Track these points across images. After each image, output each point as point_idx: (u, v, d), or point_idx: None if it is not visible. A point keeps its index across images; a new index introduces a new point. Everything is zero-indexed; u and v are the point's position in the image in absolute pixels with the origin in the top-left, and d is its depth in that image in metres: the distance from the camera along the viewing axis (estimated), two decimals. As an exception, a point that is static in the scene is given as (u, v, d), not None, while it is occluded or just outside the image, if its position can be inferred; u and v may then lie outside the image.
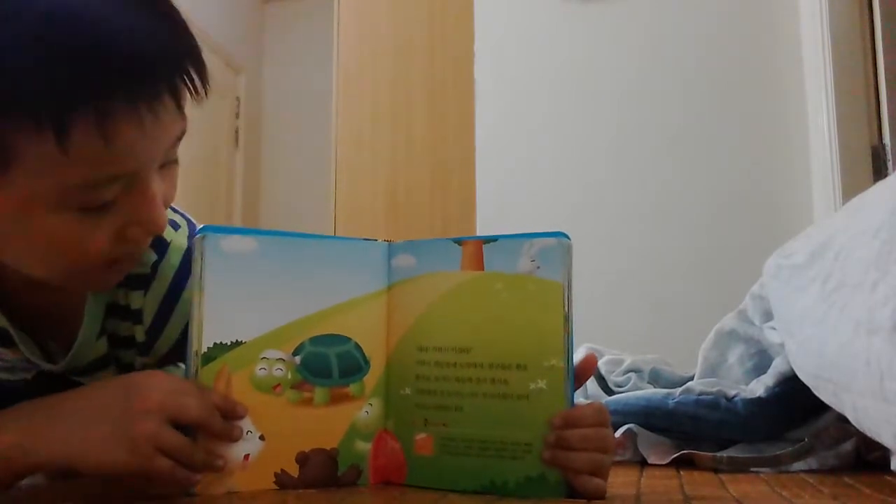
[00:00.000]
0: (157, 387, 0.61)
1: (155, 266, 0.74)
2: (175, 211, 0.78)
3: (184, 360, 0.72)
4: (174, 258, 0.75)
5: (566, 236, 0.67)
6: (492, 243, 0.68)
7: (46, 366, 0.73)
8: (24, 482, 0.67)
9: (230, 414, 0.64)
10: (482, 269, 0.68)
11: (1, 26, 0.52)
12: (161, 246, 0.75)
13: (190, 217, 0.80)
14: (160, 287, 0.75)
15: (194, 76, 0.60)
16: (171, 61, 0.58)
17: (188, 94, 0.60)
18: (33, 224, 0.57)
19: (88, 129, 0.53)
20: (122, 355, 0.78)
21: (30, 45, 0.51)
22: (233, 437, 0.64)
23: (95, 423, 0.59)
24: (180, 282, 0.75)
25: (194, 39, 0.60)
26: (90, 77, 0.52)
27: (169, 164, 0.63)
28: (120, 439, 0.58)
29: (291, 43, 5.06)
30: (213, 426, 0.63)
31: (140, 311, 0.75)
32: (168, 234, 0.75)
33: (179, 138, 0.62)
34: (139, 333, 0.76)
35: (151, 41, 0.56)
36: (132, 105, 0.54)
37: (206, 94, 0.61)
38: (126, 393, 0.61)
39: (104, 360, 0.76)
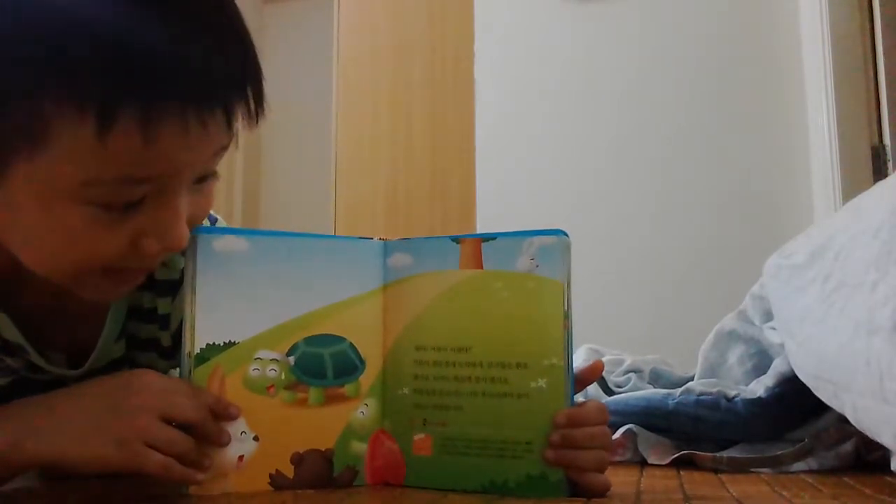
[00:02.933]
0: (150, 385, 0.61)
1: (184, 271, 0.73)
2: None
3: None
4: None
5: (565, 234, 0.66)
6: (491, 241, 0.68)
7: (70, 372, 0.72)
8: (20, 484, 0.66)
9: (223, 415, 0.64)
10: (481, 267, 0.68)
11: (74, 5, 0.50)
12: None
13: (219, 218, 0.79)
14: None
15: (252, 101, 0.58)
16: (233, 81, 0.56)
17: (241, 116, 0.58)
18: (53, 212, 0.54)
19: (131, 125, 0.51)
20: (138, 357, 0.77)
21: (94, 29, 0.50)
22: (221, 441, 0.63)
23: (86, 420, 0.59)
24: None
25: (259, 67, 0.59)
26: (146, 74, 0.51)
27: (207, 177, 0.60)
28: (109, 435, 0.58)
29: (291, 43, 5.06)
30: (205, 427, 0.62)
31: (167, 317, 0.74)
32: None
33: (223, 151, 0.59)
34: (165, 338, 0.75)
35: (219, 57, 0.54)
36: (181, 112, 0.52)
37: (258, 120, 0.59)
38: (118, 390, 0.61)
39: (119, 362, 0.76)
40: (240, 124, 0.59)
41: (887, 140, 2.02)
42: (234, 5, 0.58)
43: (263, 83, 0.59)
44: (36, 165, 0.52)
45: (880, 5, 2.04)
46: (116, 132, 0.51)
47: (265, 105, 0.59)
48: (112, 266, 0.59)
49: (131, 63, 0.50)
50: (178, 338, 0.74)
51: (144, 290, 0.73)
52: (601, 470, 0.65)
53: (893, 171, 1.97)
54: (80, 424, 0.59)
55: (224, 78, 0.55)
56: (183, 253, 0.66)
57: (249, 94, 0.58)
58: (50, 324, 0.70)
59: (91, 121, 0.50)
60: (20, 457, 0.59)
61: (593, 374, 0.71)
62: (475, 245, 0.69)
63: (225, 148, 0.59)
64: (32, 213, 0.55)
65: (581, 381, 0.69)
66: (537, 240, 0.66)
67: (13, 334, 0.67)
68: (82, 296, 0.65)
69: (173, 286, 0.73)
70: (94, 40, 0.50)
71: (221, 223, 0.80)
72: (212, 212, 0.79)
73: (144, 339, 0.76)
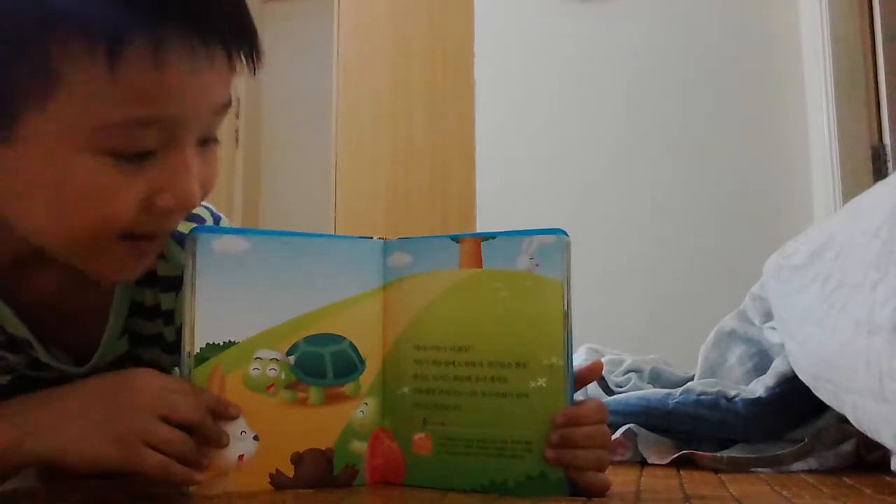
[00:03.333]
0: (149, 385, 0.61)
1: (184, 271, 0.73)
2: (204, 207, 0.77)
3: None
4: None
5: (565, 233, 0.66)
6: (490, 241, 0.68)
7: (73, 369, 0.72)
8: (21, 484, 0.66)
9: (223, 415, 0.64)
10: (481, 266, 0.68)
11: None
12: None
13: (216, 212, 0.79)
14: None
15: (250, 47, 0.59)
16: (234, 23, 0.57)
17: (240, 62, 0.59)
18: (66, 166, 0.54)
19: (141, 54, 0.52)
20: (143, 353, 0.77)
21: None
22: (220, 443, 0.63)
23: (85, 419, 0.59)
24: None
25: (253, 22, 0.60)
26: (152, 2, 0.52)
27: (209, 142, 0.61)
28: (108, 434, 0.58)
29: (291, 43, 5.05)
30: (204, 428, 0.62)
31: (172, 312, 0.74)
32: None
33: (224, 109, 0.61)
34: (170, 333, 0.75)
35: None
36: (188, 39, 0.54)
37: (256, 69, 0.60)
38: (118, 390, 0.61)
39: (122, 359, 0.75)
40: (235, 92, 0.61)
41: (887, 140, 2.02)
42: None
43: (259, 37, 0.60)
44: (48, 115, 0.53)
45: (880, 7, 2.04)
46: (128, 63, 0.51)
47: (262, 54, 0.61)
48: (127, 232, 0.58)
49: None
50: (180, 334, 0.74)
51: (146, 287, 0.72)
52: (601, 469, 0.65)
53: (893, 171, 1.97)
54: (80, 423, 0.59)
55: (225, 14, 0.57)
56: (184, 248, 0.66)
57: (249, 40, 0.59)
58: (52, 321, 0.70)
59: (101, 53, 0.51)
60: (19, 454, 0.58)
61: (592, 374, 0.71)
62: (475, 244, 0.68)
63: (225, 107, 0.60)
64: (46, 171, 0.55)
65: (580, 380, 0.69)
66: (537, 239, 0.66)
67: (18, 328, 0.67)
68: (99, 277, 0.64)
69: (176, 282, 0.73)
70: None
71: (225, 222, 0.80)
72: (215, 210, 0.79)
73: (148, 336, 0.76)
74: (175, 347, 0.75)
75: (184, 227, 0.68)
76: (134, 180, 0.56)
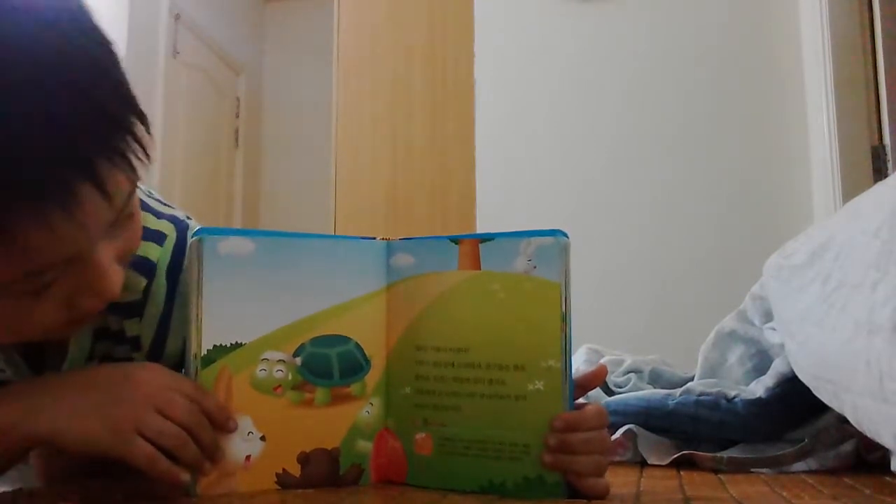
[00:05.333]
0: (153, 378, 0.62)
1: (146, 290, 0.71)
2: (160, 214, 0.74)
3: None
4: (163, 278, 0.72)
5: (564, 234, 0.65)
6: (488, 242, 0.67)
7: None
8: (21, 484, 0.67)
9: (222, 427, 0.64)
10: (479, 268, 0.68)
11: None
12: (148, 268, 0.71)
13: (178, 214, 0.76)
14: (155, 310, 0.72)
15: (126, 157, 0.53)
16: (82, 162, 0.50)
17: (121, 169, 0.53)
18: None
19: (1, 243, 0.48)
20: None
21: None
22: (213, 455, 0.63)
23: (83, 401, 0.59)
24: (173, 297, 0.73)
25: (123, 114, 0.53)
26: None
27: (120, 220, 0.56)
28: (103, 417, 0.59)
29: (291, 43, 5.06)
30: (196, 433, 0.62)
31: (138, 338, 0.73)
32: (153, 251, 0.71)
33: (129, 196, 0.56)
34: (139, 359, 0.74)
35: (59, 140, 0.48)
36: (41, 215, 0.48)
37: (145, 165, 0.54)
38: (121, 379, 0.61)
39: None
40: (121, 184, 0.54)
41: (887, 140, 2.03)
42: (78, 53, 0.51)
43: (132, 132, 0.53)
44: None
45: (880, 6, 2.05)
46: None
47: (144, 146, 0.54)
48: (58, 325, 0.58)
49: None
50: (155, 354, 0.74)
51: (109, 314, 0.70)
52: (599, 475, 0.64)
53: (893, 171, 1.98)
54: (77, 404, 0.59)
55: (70, 166, 0.49)
56: (141, 274, 0.66)
57: (116, 157, 0.52)
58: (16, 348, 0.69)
59: None
60: (18, 434, 0.59)
61: (596, 379, 0.70)
62: (473, 246, 0.68)
63: (130, 194, 0.56)
64: None
65: (584, 385, 0.69)
66: (535, 241, 0.65)
67: None
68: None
69: (138, 306, 0.71)
70: None
71: (193, 227, 0.76)
72: (183, 215, 0.76)
73: (120, 360, 0.74)
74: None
75: (144, 248, 0.67)
76: (49, 300, 0.55)
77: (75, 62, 0.50)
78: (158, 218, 0.74)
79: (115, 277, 0.57)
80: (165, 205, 0.77)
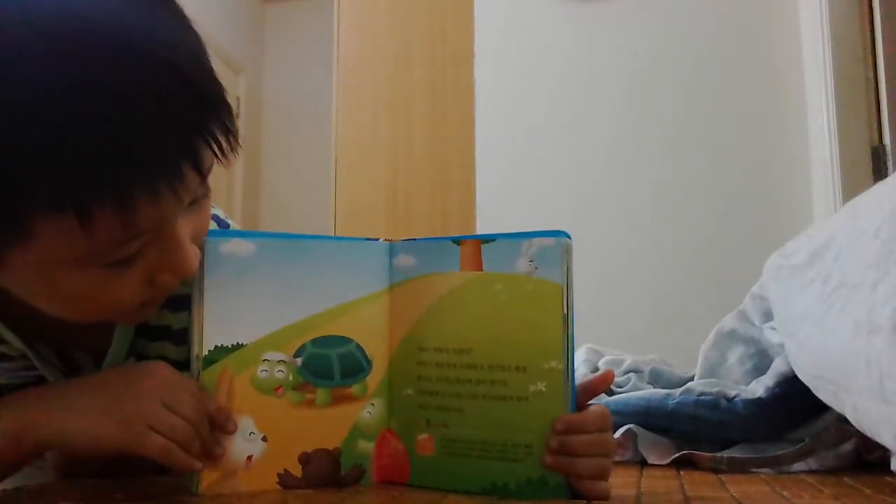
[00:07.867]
0: (160, 374, 0.63)
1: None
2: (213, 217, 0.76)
3: None
4: None
5: (567, 235, 0.65)
6: (490, 243, 0.67)
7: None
8: (22, 483, 0.67)
9: (221, 427, 0.64)
10: (481, 269, 0.67)
11: (21, 113, 0.49)
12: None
13: (219, 213, 0.79)
14: None
15: (218, 141, 0.57)
16: (186, 142, 0.54)
17: (214, 154, 0.57)
18: (57, 281, 0.56)
19: (108, 214, 0.52)
20: None
21: (43, 141, 0.49)
22: (213, 453, 0.64)
23: (94, 401, 0.60)
24: None
25: (220, 99, 0.57)
26: (111, 168, 0.51)
27: (198, 199, 0.60)
28: (114, 415, 0.60)
29: (291, 43, 5.06)
30: (200, 431, 0.63)
31: (183, 332, 0.74)
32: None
33: (208, 173, 0.59)
34: (173, 353, 0.74)
35: (168, 120, 0.53)
36: (152, 192, 0.53)
37: (234, 152, 0.58)
38: (130, 378, 0.62)
39: None
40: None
41: (887, 140, 2.03)
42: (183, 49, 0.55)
43: (228, 114, 0.57)
44: (30, 252, 0.53)
45: (880, 5, 2.05)
46: (96, 222, 0.52)
47: (237, 136, 0.58)
48: (135, 304, 0.60)
49: (94, 159, 0.50)
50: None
51: (159, 308, 0.71)
52: (602, 477, 0.64)
53: (893, 171, 1.98)
54: (87, 406, 0.60)
55: (178, 146, 0.54)
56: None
57: (215, 134, 0.56)
58: (62, 336, 0.70)
59: (71, 217, 0.51)
60: (29, 441, 0.60)
61: (603, 384, 0.70)
62: (475, 247, 0.68)
63: (209, 171, 0.59)
64: (42, 286, 0.57)
65: (590, 390, 0.68)
66: (536, 241, 0.65)
67: (14, 343, 0.68)
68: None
69: (187, 300, 0.72)
70: (46, 151, 0.49)
71: (234, 228, 0.80)
72: (224, 216, 0.79)
73: (151, 358, 0.74)
74: (181, 368, 0.75)
75: None
76: (130, 272, 0.57)
77: (177, 49, 0.54)
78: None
79: (193, 253, 0.60)
80: None
